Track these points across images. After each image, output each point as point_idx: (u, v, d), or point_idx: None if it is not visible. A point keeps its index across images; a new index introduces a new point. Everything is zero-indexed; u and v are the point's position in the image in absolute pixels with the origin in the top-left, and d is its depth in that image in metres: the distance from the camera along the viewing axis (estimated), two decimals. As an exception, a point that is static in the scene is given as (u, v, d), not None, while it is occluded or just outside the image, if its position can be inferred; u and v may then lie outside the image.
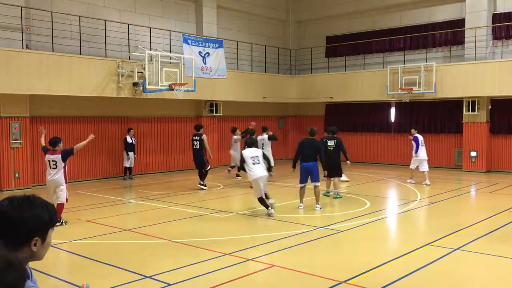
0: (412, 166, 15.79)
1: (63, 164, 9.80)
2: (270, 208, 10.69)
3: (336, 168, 13.04)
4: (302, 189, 11.47)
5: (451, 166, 19.75)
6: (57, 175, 9.79)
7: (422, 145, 15.53)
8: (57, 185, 9.81)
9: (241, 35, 22.10)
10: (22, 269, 1.63)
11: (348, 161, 13.43)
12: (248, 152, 10.86)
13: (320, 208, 11.47)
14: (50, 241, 2.07)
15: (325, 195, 13.19)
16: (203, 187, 14.60)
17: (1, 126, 14.41)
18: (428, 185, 15.08)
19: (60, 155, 9.79)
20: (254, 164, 10.67)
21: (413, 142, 15.62)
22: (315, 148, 11.44)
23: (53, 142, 9.89)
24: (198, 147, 14.61)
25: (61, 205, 9.74)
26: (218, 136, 20.64)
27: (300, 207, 11.51)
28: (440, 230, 9.36)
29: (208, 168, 14.75)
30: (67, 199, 9.98)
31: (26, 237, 1.96)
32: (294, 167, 11.91)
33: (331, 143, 13.14)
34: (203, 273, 6.80)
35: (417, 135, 15.71)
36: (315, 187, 11.47)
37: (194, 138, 14.82)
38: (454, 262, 7.44)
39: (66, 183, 9.89)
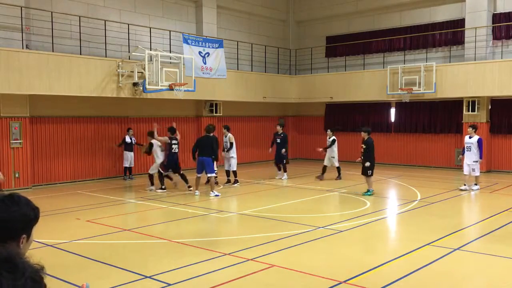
0: (477, 172, 14.04)
1: None
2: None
3: (364, 167, 13.51)
4: (197, 179, 13.51)
5: (451, 166, 19.74)
6: None
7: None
8: None
9: (241, 35, 22.10)
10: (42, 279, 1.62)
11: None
12: None
13: (217, 195, 13.15)
14: (33, 237, 2.08)
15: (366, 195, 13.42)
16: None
17: (1, 126, 14.40)
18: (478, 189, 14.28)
19: None
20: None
21: (476, 144, 13.97)
22: (210, 143, 13.50)
23: None
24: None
25: None
26: (218, 136, 20.60)
27: (196, 194, 13.39)
28: (440, 230, 9.35)
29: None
30: None
31: (15, 237, 1.95)
32: (194, 158, 13.69)
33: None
34: (203, 273, 6.81)
35: (476, 136, 14.09)
36: (209, 177, 13.48)
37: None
38: (454, 262, 7.44)
39: None
